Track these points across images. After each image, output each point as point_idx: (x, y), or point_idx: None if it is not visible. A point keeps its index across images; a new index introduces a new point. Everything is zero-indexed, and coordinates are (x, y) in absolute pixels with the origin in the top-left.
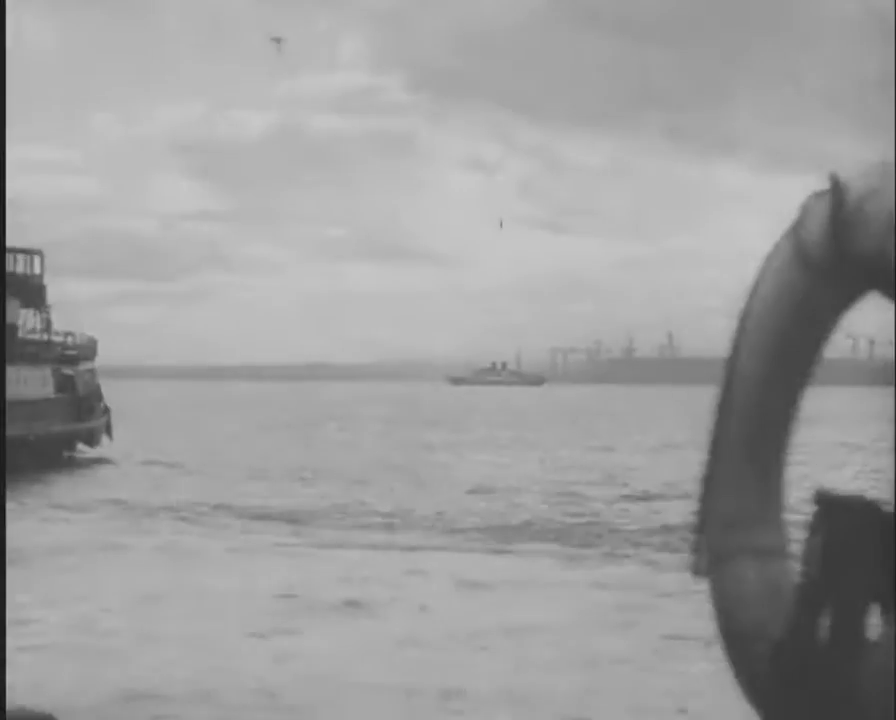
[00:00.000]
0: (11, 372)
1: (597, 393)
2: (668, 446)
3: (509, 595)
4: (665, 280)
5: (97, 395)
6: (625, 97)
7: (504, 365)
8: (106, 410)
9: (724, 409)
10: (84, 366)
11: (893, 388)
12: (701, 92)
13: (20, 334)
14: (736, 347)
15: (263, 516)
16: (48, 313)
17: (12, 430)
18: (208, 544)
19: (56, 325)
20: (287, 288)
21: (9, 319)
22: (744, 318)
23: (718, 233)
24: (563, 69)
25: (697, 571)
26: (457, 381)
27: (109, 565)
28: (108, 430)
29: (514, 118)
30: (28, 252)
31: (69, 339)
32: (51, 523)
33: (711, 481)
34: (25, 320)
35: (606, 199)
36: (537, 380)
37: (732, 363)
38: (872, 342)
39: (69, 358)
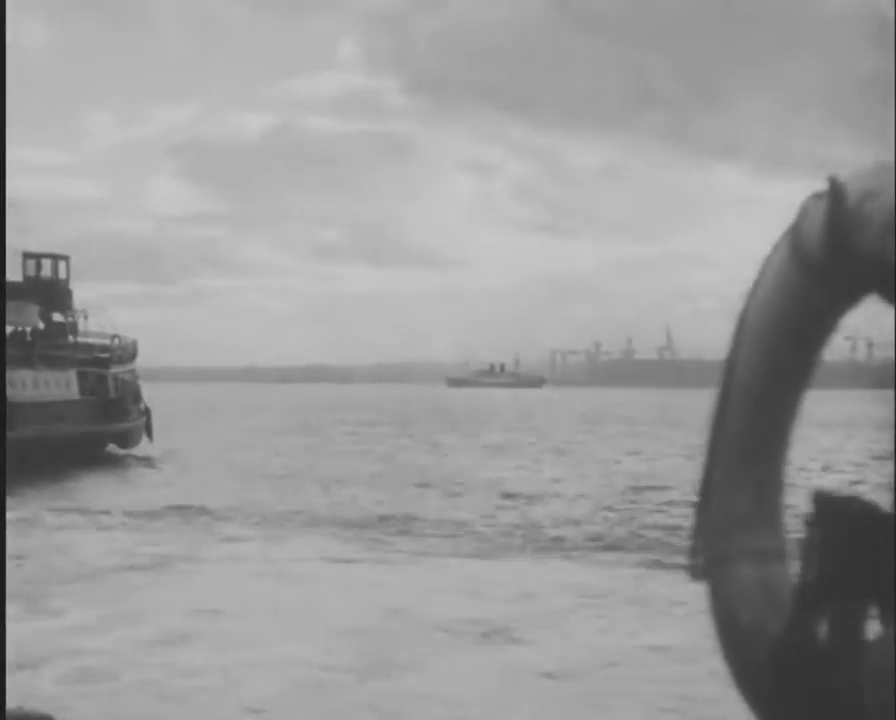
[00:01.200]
0: (28, 375)
1: (604, 395)
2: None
3: (641, 613)
4: (664, 282)
5: (133, 397)
6: (624, 100)
7: (503, 367)
8: (146, 412)
9: (722, 410)
10: (117, 369)
11: (893, 391)
12: (700, 95)
13: (38, 337)
14: (735, 349)
15: (350, 523)
16: (74, 317)
17: (29, 430)
18: (297, 553)
19: (95, 327)
20: (285, 290)
21: (29, 323)
22: (742, 320)
23: (717, 235)
24: (562, 71)
25: (695, 573)
26: (456, 383)
27: (183, 580)
28: (149, 432)
29: (512, 120)
30: (55, 257)
31: (115, 341)
32: (100, 532)
33: (709, 483)
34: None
35: (605, 201)
36: (536, 382)
37: (731, 365)
38: (871, 344)
39: (100, 361)
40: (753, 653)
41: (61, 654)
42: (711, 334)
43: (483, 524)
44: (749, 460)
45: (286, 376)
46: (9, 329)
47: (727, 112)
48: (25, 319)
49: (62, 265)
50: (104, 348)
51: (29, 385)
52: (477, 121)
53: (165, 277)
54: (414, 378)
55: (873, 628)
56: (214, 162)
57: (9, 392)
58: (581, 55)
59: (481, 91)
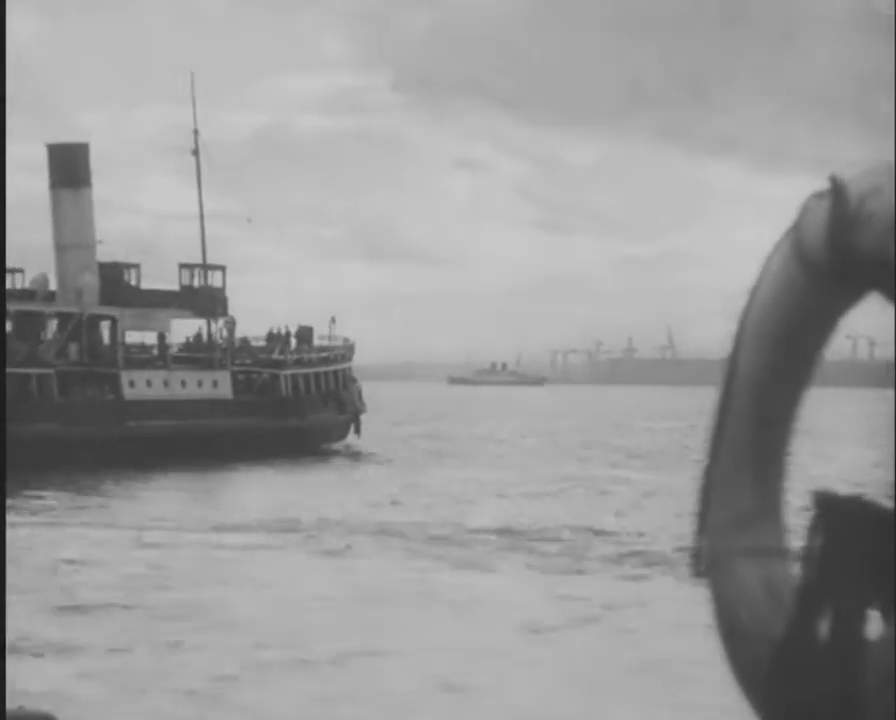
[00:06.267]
0: (156, 375)
1: (613, 393)
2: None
3: None
4: (664, 280)
5: (325, 397)
6: (619, 96)
7: (504, 365)
8: (349, 409)
9: (724, 410)
10: (292, 370)
11: (893, 389)
12: (697, 91)
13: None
14: (736, 348)
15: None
16: (231, 322)
17: (147, 425)
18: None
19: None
20: (285, 288)
21: (160, 329)
22: (743, 319)
23: (717, 233)
24: (556, 67)
25: (696, 572)
26: (457, 381)
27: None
28: (356, 428)
29: (506, 117)
30: (209, 267)
31: (336, 343)
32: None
33: (711, 481)
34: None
35: (603, 199)
36: (537, 380)
37: (732, 364)
38: (872, 343)
39: (274, 363)
40: (754, 653)
41: None
42: (712, 333)
43: None
44: (750, 459)
45: None
46: (150, 334)
47: (724, 108)
48: (156, 324)
49: (216, 274)
50: (280, 350)
51: (157, 384)
52: (470, 117)
53: (166, 276)
54: (416, 376)
55: (875, 628)
56: (210, 162)
57: (125, 390)
58: (575, 50)
59: (473, 87)
